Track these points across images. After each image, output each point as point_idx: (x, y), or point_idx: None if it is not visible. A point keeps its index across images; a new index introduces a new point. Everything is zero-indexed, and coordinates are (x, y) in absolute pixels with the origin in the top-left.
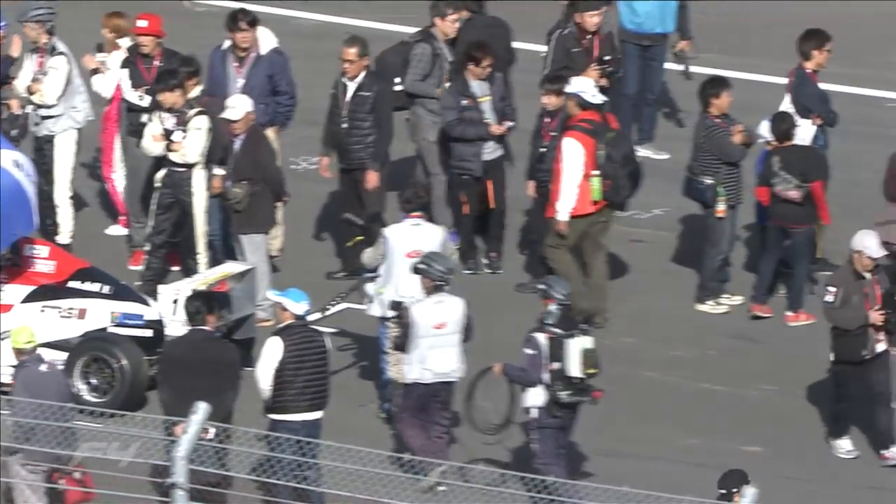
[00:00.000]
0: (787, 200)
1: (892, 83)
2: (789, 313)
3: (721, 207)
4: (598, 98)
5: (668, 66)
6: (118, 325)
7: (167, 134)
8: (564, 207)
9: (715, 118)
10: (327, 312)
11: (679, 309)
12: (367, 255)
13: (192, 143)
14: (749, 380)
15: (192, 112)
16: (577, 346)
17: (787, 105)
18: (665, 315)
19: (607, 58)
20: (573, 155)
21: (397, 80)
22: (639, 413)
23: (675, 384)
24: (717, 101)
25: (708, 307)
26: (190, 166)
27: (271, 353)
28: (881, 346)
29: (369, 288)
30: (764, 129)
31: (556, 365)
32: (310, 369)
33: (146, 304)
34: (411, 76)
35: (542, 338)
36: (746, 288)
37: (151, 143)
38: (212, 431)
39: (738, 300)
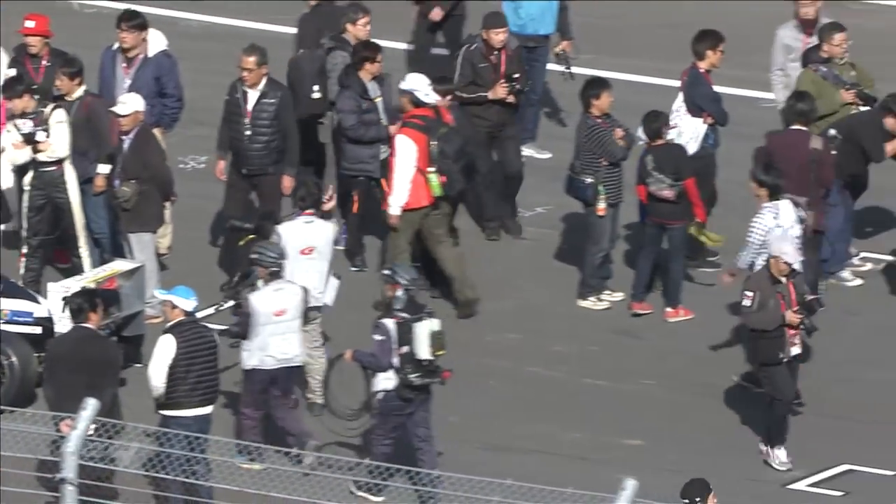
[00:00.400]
0: (663, 199)
1: (764, 84)
2: (668, 309)
3: (602, 206)
4: (432, 97)
5: (550, 66)
6: (7, 322)
7: (28, 138)
8: (396, 202)
9: (596, 118)
10: (220, 308)
11: (561, 305)
12: None
13: (58, 138)
14: (630, 374)
15: (49, 109)
16: (424, 330)
17: (679, 104)
18: (548, 311)
19: (516, 75)
20: (405, 151)
21: (315, 87)
22: (522, 408)
23: (558, 379)
24: (597, 102)
25: (590, 303)
26: (60, 162)
27: (164, 351)
28: (796, 350)
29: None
30: (641, 131)
31: (405, 349)
32: (201, 365)
33: (36, 301)
34: (332, 83)
35: (390, 323)
36: (627, 284)
37: (14, 152)
38: (91, 427)
39: (619, 296)
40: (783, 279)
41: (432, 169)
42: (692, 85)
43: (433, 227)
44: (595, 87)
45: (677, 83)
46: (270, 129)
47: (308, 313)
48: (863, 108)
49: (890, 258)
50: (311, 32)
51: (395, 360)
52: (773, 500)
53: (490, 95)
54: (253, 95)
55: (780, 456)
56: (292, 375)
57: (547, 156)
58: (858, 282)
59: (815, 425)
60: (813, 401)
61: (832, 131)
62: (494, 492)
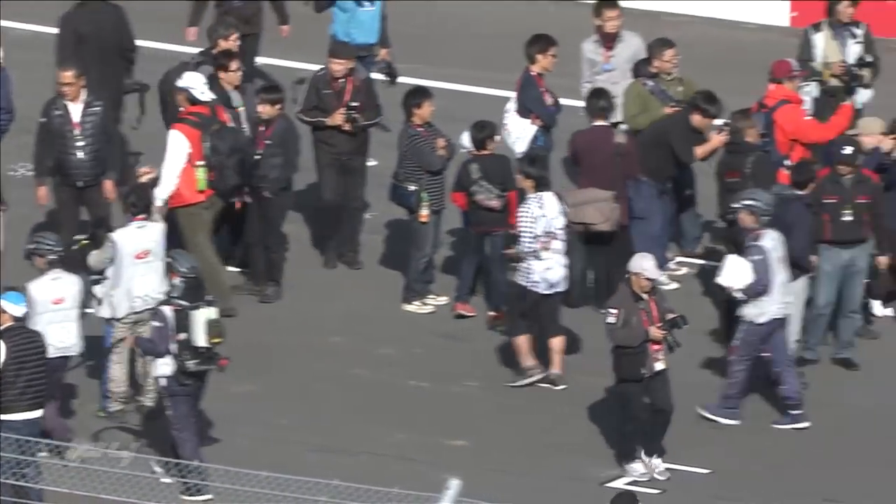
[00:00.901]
0: (486, 208)
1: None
2: (491, 313)
3: (425, 213)
4: (207, 95)
5: (373, 75)
6: None
7: None
8: (162, 194)
9: (417, 127)
10: None
11: (387, 309)
12: (94, 258)
13: None
14: (454, 377)
15: None
16: (202, 317)
17: (511, 105)
18: (373, 315)
19: (354, 104)
20: (177, 145)
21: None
22: (348, 409)
23: (384, 381)
24: (419, 111)
25: (414, 307)
26: None
27: None
28: (660, 365)
29: (97, 290)
30: (466, 139)
31: (182, 335)
32: (31, 369)
33: None
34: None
35: (168, 310)
36: (451, 289)
37: None
38: None
39: (443, 300)
40: (645, 296)
41: (201, 163)
42: (522, 87)
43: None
44: (416, 96)
45: (500, 92)
46: (100, 138)
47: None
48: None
49: (703, 262)
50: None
51: (173, 347)
52: (593, 500)
53: (328, 121)
54: (76, 108)
55: (636, 468)
56: (68, 364)
57: (373, 163)
58: (675, 286)
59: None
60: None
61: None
62: (322, 492)
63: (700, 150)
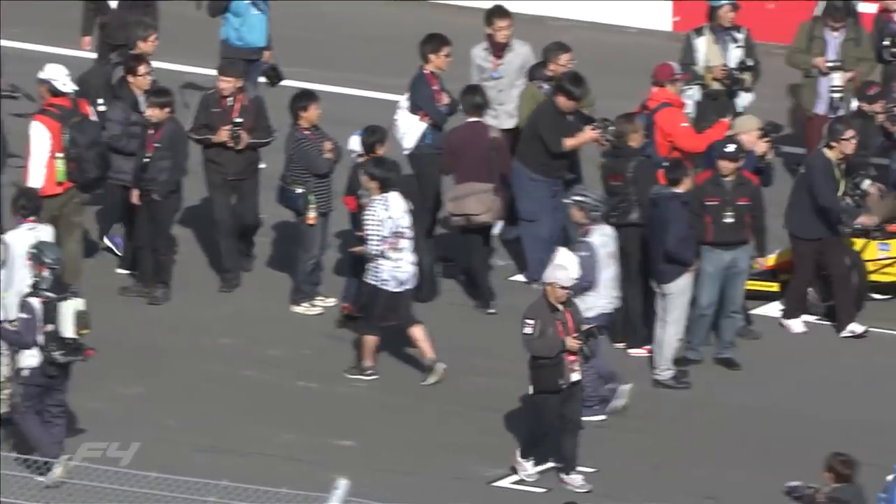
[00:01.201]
0: None
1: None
2: (344, 304)
3: (312, 215)
4: (69, 87)
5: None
6: None
7: None
8: (32, 185)
9: (304, 130)
10: None
11: (275, 311)
12: None
13: None
14: (342, 377)
15: None
16: (69, 309)
17: (404, 102)
18: (262, 316)
19: (238, 120)
20: (39, 138)
21: (100, 100)
22: (237, 410)
23: (272, 382)
24: (305, 114)
25: (302, 309)
26: None
27: None
28: (575, 376)
29: None
30: (354, 143)
31: (49, 327)
32: None
33: None
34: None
35: (35, 302)
36: (339, 290)
37: None
38: None
39: (331, 302)
40: (560, 306)
41: (60, 155)
42: (414, 85)
43: (71, 214)
44: (303, 99)
45: (386, 95)
46: None
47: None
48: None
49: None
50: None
51: (40, 338)
52: (480, 498)
53: (214, 138)
54: None
55: (526, 466)
56: None
57: (262, 166)
58: None
59: (520, 425)
60: (514, 403)
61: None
62: (210, 493)
63: (569, 141)
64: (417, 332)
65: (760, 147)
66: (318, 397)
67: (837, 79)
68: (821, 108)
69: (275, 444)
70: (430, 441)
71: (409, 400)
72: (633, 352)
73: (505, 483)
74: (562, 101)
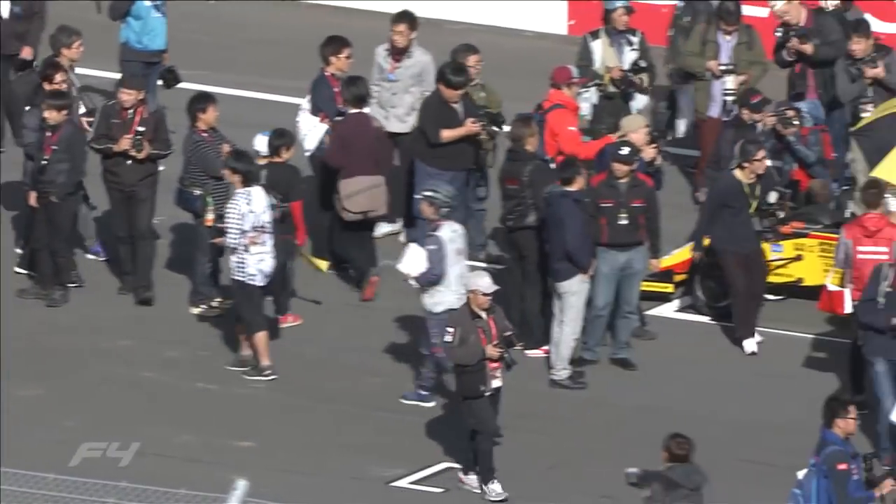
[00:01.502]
0: None
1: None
2: (279, 316)
3: (210, 217)
4: None
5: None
6: None
7: None
8: None
9: (202, 132)
10: None
11: (174, 312)
12: None
13: None
14: (240, 378)
15: None
16: None
17: (305, 104)
18: (160, 318)
19: (141, 129)
20: None
21: (27, 108)
22: (136, 411)
23: (170, 383)
24: (204, 116)
25: (200, 310)
26: None
27: None
28: (497, 383)
29: None
30: (258, 143)
31: None
32: None
33: None
34: None
35: None
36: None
37: None
38: None
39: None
40: (483, 314)
41: None
42: (315, 87)
43: None
44: (201, 101)
45: (285, 98)
46: None
47: None
48: (494, 129)
49: (486, 265)
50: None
51: None
52: (378, 498)
53: (115, 147)
54: None
55: (495, 489)
56: None
57: (160, 168)
58: None
59: (416, 426)
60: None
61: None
62: (109, 494)
63: (446, 133)
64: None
65: (648, 153)
66: (217, 398)
67: (730, 82)
68: (714, 111)
69: (173, 445)
70: (329, 441)
71: (308, 401)
72: (530, 353)
73: (403, 483)
74: (444, 91)
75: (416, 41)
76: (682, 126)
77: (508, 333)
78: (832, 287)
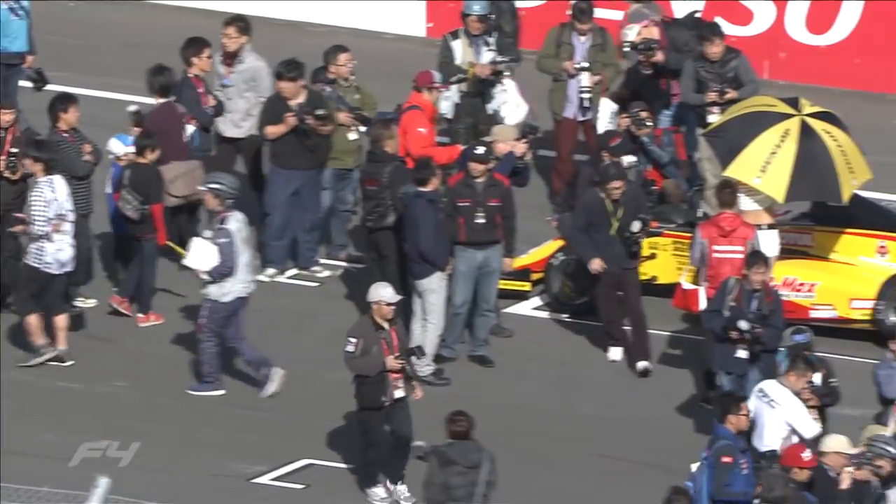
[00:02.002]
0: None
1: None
2: (140, 315)
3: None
4: None
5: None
6: None
7: None
8: None
9: (63, 133)
10: None
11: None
12: None
13: None
14: (104, 377)
15: None
16: None
17: None
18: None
19: (14, 150)
20: None
21: None
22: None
23: (34, 383)
24: (65, 116)
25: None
26: None
27: None
28: (399, 393)
29: None
30: (112, 145)
31: None
32: None
33: None
34: None
35: None
36: (101, 291)
37: None
38: None
39: (91, 303)
40: (385, 325)
41: None
42: (179, 89)
43: None
44: (62, 102)
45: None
46: None
47: None
48: (361, 129)
49: (346, 264)
50: None
51: None
52: (238, 495)
53: None
54: None
55: (377, 493)
56: None
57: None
58: (315, 284)
59: (277, 422)
60: (276, 399)
61: None
62: None
63: (269, 129)
64: (61, 321)
65: (519, 148)
66: (80, 397)
67: (585, 79)
68: (570, 112)
69: (36, 444)
70: (190, 439)
71: (168, 399)
72: None
73: (264, 480)
74: (276, 85)
75: (250, 46)
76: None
77: (411, 346)
78: (687, 285)
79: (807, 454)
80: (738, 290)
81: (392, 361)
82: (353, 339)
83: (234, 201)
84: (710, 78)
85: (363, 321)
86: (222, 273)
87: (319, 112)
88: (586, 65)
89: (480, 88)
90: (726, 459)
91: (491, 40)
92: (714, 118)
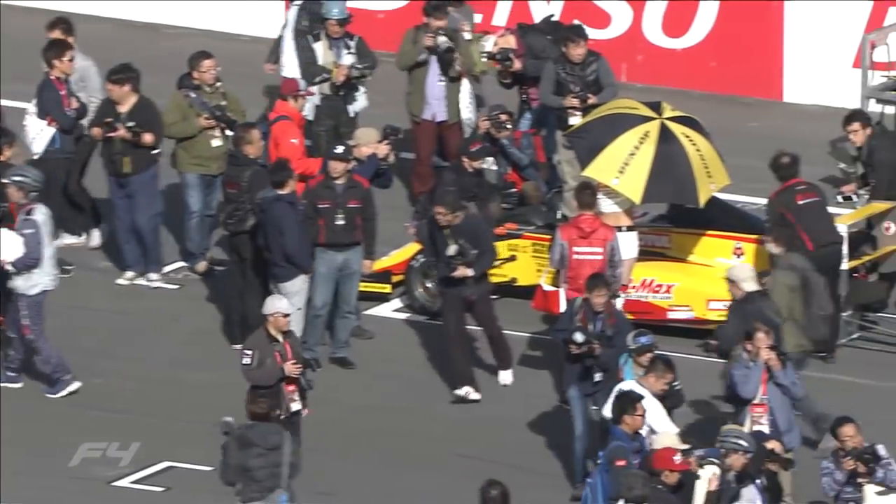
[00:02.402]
0: None
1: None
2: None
3: None
4: None
5: None
6: None
7: None
8: None
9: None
10: None
11: None
12: None
13: None
14: None
15: None
16: None
17: (32, 108)
18: None
19: None
20: None
21: None
22: None
23: None
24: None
25: None
26: None
27: None
28: (295, 406)
29: None
30: None
31: None
32: None
33: None
34: None
35: None
36: None
37: None
38: None
39: None
40: (280, 337)
41: None
42: (41, 91)
43: None
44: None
45: (9, 102)
46: None
47: None
48: (227, 133)
49: (209, 265)
50: None
51: None
52: (100, 498)
53: None
54: None
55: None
56: None
57: None
58: (174, 287)
59: (137, 424)
60: (134, 401)
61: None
62: None
63: (95, 131)
64: None
65: (382, 150)
66: None
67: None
68: (428, 114)
69: None
70: (50, 441)
71: (27, 401)
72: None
73: (125, 483)
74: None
75: (76, 46)
76: None
77: (307, 357)
78: (547, 287)
79: (678, 457)
80: (584, 310)
81: (290, 367)
82: (249, 352)
83: (38, 194)
84: (571, 80)
85: (258, 333)
86: (27, 265)
87: (130, 124)
88: (447, 41)
89: (336, 91)
90: (620, 463)
91: (352, 43)
92: (575, 120)
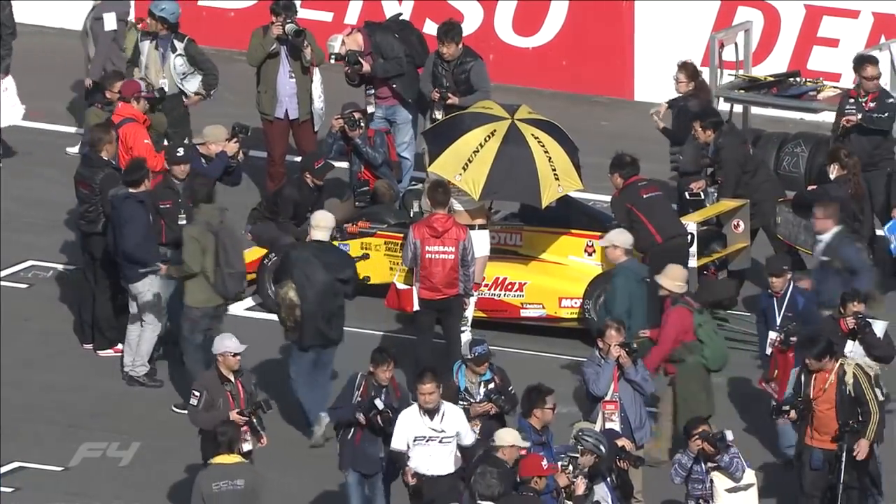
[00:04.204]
0: None
1: None
2: None
3: None
4: None
5: None
6: None
7: None
8: None
9: None
10: None
11: None
12: None
13: None
14: None
15: None
16: None
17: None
18: None
19: None
20: None
21: None
22: None
23: None
24: None
25: None
26: None
27: None
28: (247, 446)
29: None
30: None
31: None
32: None
33: None
34: None
35: None
36: None
37: None
38: None
39: None
40: (232, 376)
41: None
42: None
43: None
44: None
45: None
46: None
47: None
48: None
49: (60, 266)
50: None
51: None
52: None
53: None
54: None
55: None
56: None
57: None
58: (24, 286)
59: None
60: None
61: None
62: None
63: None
64: None
65: (231, 147)
66: None
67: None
68: (280, 112)
69: None
70: None
71: None
72: (103, 353)
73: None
74: None
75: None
76: None
77: (258, 399)
78: (400, 285)
79: (545, 463)
80: (365, 384)
81: (235, 416)
82: (197, 392)
83: None
84: (444, 76)
85: (209, 373)
86: None
87: None
88: (295, 26)
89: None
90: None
91: (179, 45)
92: (438, 115)
